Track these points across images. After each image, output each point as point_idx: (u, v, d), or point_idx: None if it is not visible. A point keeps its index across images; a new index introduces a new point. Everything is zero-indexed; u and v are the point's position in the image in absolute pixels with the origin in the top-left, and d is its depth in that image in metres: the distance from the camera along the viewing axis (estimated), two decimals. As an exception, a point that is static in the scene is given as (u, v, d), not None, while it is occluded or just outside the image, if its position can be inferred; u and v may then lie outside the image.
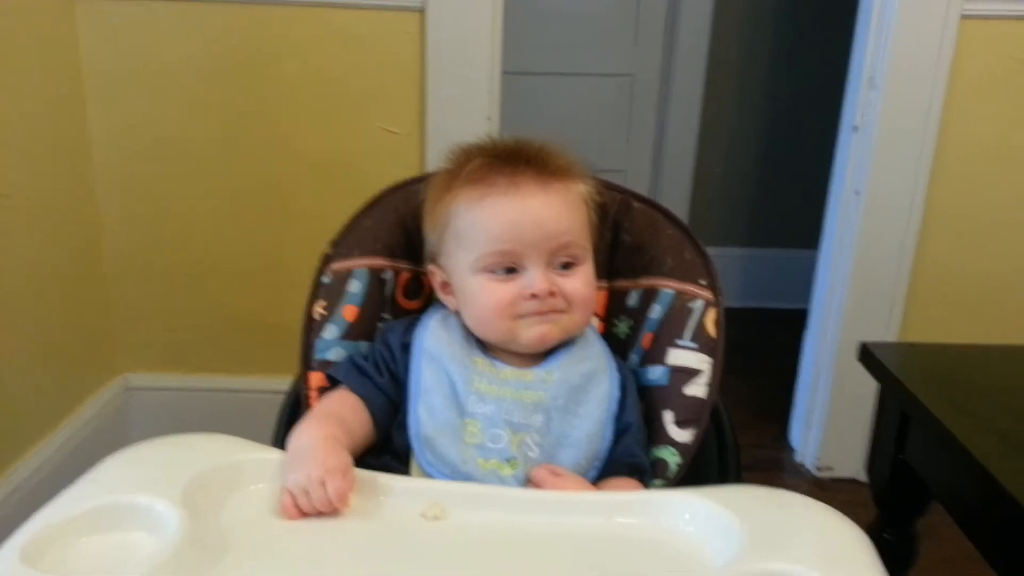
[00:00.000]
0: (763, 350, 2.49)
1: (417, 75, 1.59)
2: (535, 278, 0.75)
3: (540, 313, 0.76)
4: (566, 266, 0.77)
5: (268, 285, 1.68)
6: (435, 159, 1.59)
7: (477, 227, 0.76)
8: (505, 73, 1.66)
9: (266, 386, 1.71)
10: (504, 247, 0.75)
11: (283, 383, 1.70)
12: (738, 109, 2.77)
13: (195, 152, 1.60)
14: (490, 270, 0.76)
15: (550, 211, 0.76)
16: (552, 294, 0.75)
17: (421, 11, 1.54)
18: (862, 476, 1.73)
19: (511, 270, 0.76)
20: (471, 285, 0.77)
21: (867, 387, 1.74)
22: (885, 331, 1.71)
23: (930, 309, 1.70)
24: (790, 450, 1.95)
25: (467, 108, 1.62)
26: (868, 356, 0.86)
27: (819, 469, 1.82)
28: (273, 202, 1.64)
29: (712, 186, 2.83)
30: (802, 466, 1.88)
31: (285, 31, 1.54)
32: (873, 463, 0.90)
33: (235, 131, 1.59)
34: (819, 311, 1.83)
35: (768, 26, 2.69)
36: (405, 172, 1.61)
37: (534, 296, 0.75)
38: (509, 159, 0.77)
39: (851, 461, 1.74)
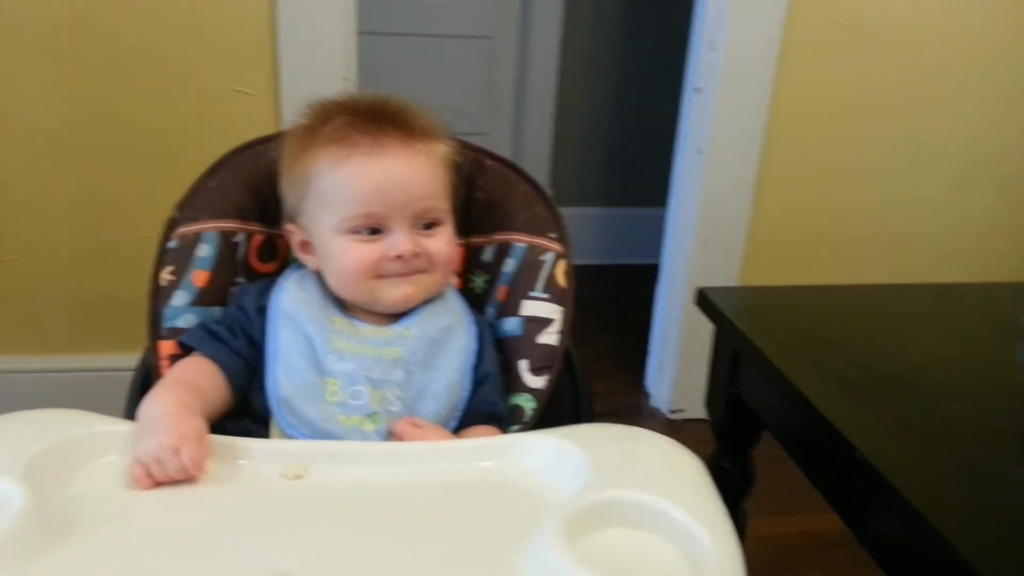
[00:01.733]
0: (621, 304, 2.62)
1: (268, 34, 1.53)
2: (400, 240, 0.76)
3: (403, 274, 0.77)
4: (429, 226, 0.78)
5: (119, 259, 1.59)
6: (291, 121, 1.56)
7: (340, 188, 0.76)
8: (362, 33, 1.63)
9: (119, 364, 1.61)
10: (370, 209, 0.75)
11: (129, 360, 1.64)
12: (592, 73, 2.84)
13: (31, 123, 1.49)
14: (355, 231, 0.76)
15: (416, 173, 0.77)
16: (416, 255, 0.77)
17: (267, -37, 1.48)
18: (711, 416, 1.86)
19: (375, 231, 0.76)
20: (335, 245, 0.77)
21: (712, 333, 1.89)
22: (727, 280, 1.83)
23: (768, 258, 1.84)
24: (646, 396, 2.06)
25: (322, 68, 1.59)
26: (703, 300, 0.93)
27: (672, 412, 1.94)
28: (119, 173, 1.55)
29: (570, 148, 2.91)
30: (657, 410, 2.00)
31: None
32: (710, 399, 0.98)
33: (73, 101, 1.48)
34: (668, 264, 1.93)
35: (619, -9, 2.76)
36: (259, 133, 1.57)
37: (399, 257, 0.76)
38: (373, 118, 0.77)
39: (700, 402, 1.86)
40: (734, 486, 0.99)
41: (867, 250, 1.87)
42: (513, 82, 2.83)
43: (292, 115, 1.55)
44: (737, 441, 0.97)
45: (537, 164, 2.87)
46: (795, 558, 1.48)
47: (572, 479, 0.64)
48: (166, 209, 1.59)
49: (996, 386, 0.78)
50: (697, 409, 1.94)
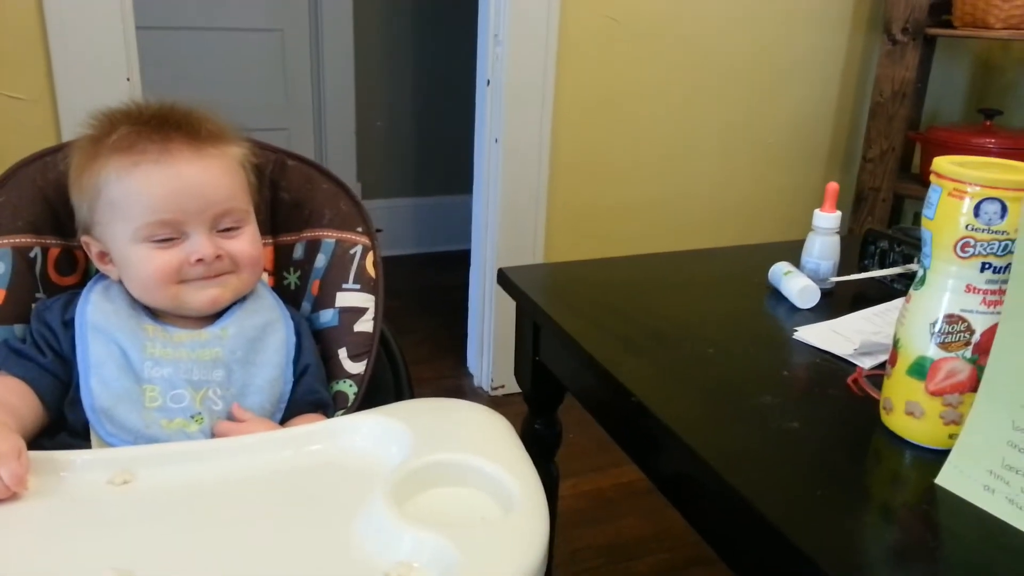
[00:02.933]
0: (437, 291, 2.69)
1: (37, 33, 1.45)
2: (199, 243, 0.77)
3: (207, 278, 0.78)
4: (229, 229, 0.80)
5: None
6: (71, 126, 1.49)
7: (132, 196, 0.76)
8: (141, 28, 1.57)
9: None
10: (164, 216, 0.76)
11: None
12: (389, 64, 2.87)
13: None
14: (151, 239, 0.76)
15: (208, 178, 0.78)
16: (219, 257, 0.78)
17: (26, -47, 1.40)
18: (527, 387, 1.99)
19: (173, 238, 0.77)
20: (133, 254, 0.77)
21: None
22: (533, 258, 1.96)
23: (564, 236, 1.98)
24: (469, 376, 2.16)
25: (101, 68, 1.51)
26: (503, 279, 1.02)
27: (494, 389, 2.05)
28: None
29: (375, 141, 2.93)
30: (480, 388, 2.10)
31: None
32: (518, 368, 1.08)
33: None
34: (478, 248, 2.03)
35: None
36: (40, 142, 1.47)
37: (200, 261, 0.77)
38: (158, 126, 0.77)
39: None
40: (546, 444, 1.10)
41: (649, 220, 2.07)
42: (310, 75, 2.80)
43: (72, 120, 1.50)
44: (544, 404, 1.07)
45: (343, 157, 2.87)
46: (613, 507, 1.64)
47: (396, 450, 0.71)
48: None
49: (743, 331, 0.93)
50: (516, 384, 2.06)
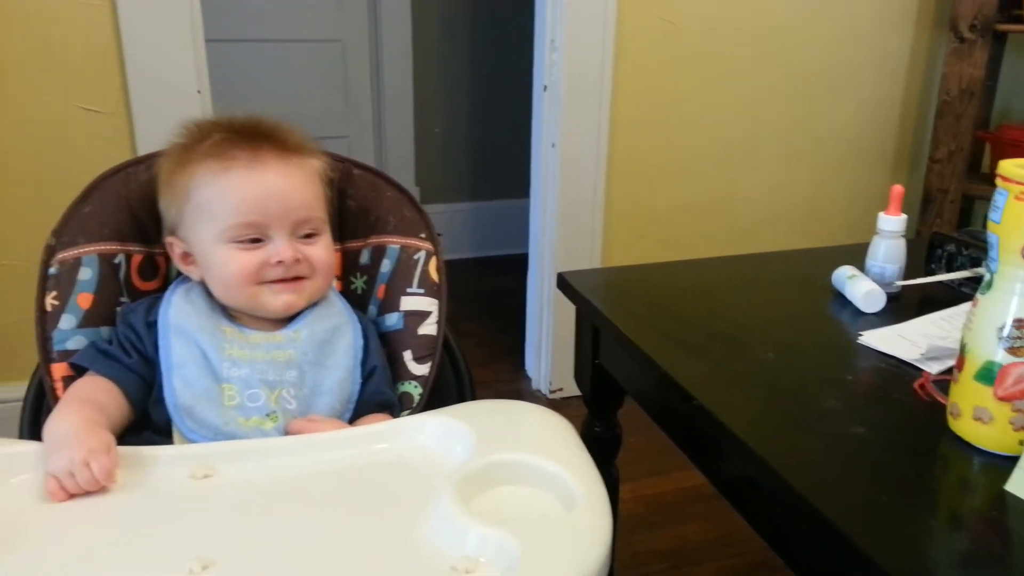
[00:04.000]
0: (495, 295, 2.72)
1: (113, 48, 1.51)
2: (280, 247, 0.81)
3: (285, 281, 0.82)
4: (307, 236, 0.84)
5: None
6: (146, 137, 1.56)
7: (221, 199, 0.80)
8: (209, 41, 1.62)
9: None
10: (250, 219, 0.80)
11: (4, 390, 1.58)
12: (448, 72, 2.90)
13: None
14: (236, 240, 0.81)
15: (292, 186, 0.82)
16: (297, 261, 0.82)
17: (106, -24, 1.45)
18: (586, 391, 1.99)
19: (256, 240, 0.81)
20: (217, 255, 0.81)
21: (580, 313, 2.02)
22: (590, 261, 1.96)
23: (621, 240, 1.98)
24: (527, 379, 2.17)
25: (174, 81, 1.57)
26: (563, 283, 1.03)
27: (552, 392, 2.06)
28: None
29: (433, 147, 2.97)
30: (538, 391, 2.10)
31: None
32: (578, 371, 1.09)
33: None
34: (536, 252, 2.04)
35: (465, -8, 2.83)
36: (115, 152, 1.56)
37: (280, 263, 0.81)
38: (249, 135, 0.82)
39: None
40: (605, 447, 1.11)
41: (707, 222, 2.05)
42: (369, 84, 2.86)
43: (146, 131, 1.57)
44: (604, 407, 1.08)
45: (402, 163, 2.92)
46: (674, 512, 1.63)
47: (460, 450, 0.73)
48: (24, 236, 1.55)
49: (806, 335, 0.92)
50: (574, 386, 2.02)
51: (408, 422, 0.79)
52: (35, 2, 1.44)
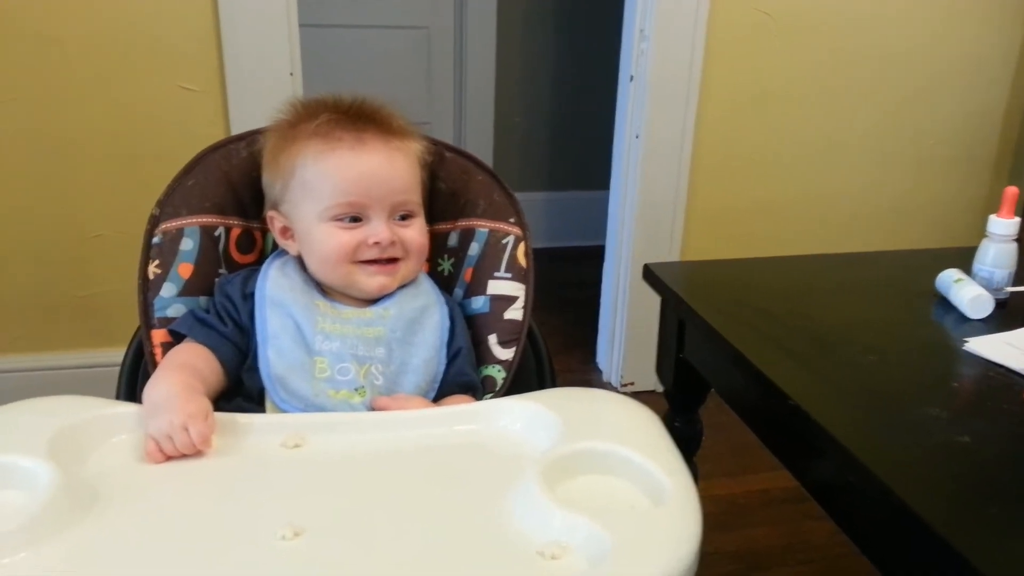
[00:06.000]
0: (568, 286, 2.70)
1: (212, 30, 1.55)
2: (379, 228, 0.82)
3: (380, 262, 0.83)
4: (404, 218, 0.85)
5: (67, 257, 1.61)
6: (239, 116, 1.60)
7: (325, 178, 0.82)
8: (303, 26, 1.65)
9: (74, 361, 1.65)
10: (352, 199, 0.82)
11: (93, 356, 1.66)
12: (530, 61, 2.90)
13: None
14: (337, 219, 0.82)
15: (393, 168, 0.83)
16: (393, 243, 0.83)
17: (208, -41, 1.49)
18: (659, 387, 1.96)
19: (356, 219, 0.83)
20: (317, 232, 0.83)
21: (657, 309, 1.97)
22: (668, 256, 1.93)
23: (702, 235, 1.94)
24: (598, 372, 2.15)
25: (268, 63, 1.61)
26: (650, 275, 1.01)
27: (623, 385, 2.03)
28: (63, 173, 1.56)
29: (513, 135, 2.97)
30: (609, 384, 2.08)
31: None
32: (660, 365, 1.07)
33: (13, 93, 1.49)
34: (613, 244, 2.02)
35: (551, -20, 2.82)
36: (209, 130, 1.60)
37: (376, 243, 0.82)
38: (354, 116, 0.83)
39: (649, 374, 1.91)
40: (685, 444, 1.08)
41: (794, 220, 1.99)
42: (452, 71, 2.87)
43: (240, 110, 1.61)
44: (685, 402, 1.06)
45: (480, 151, 2.92)
46: (745, 515, 1.59)
47: (545, 436, 0.72)
48: (121, 208, 1.61)
49: (907, 340, 0.89)
50: (645, 381, 2.03)
51: (493, 405, 0.79)
52: (141, -15, 1.49)
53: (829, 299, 0.99)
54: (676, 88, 1.82)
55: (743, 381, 0.86)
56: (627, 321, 2.00)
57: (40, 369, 1.64)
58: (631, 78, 1.85)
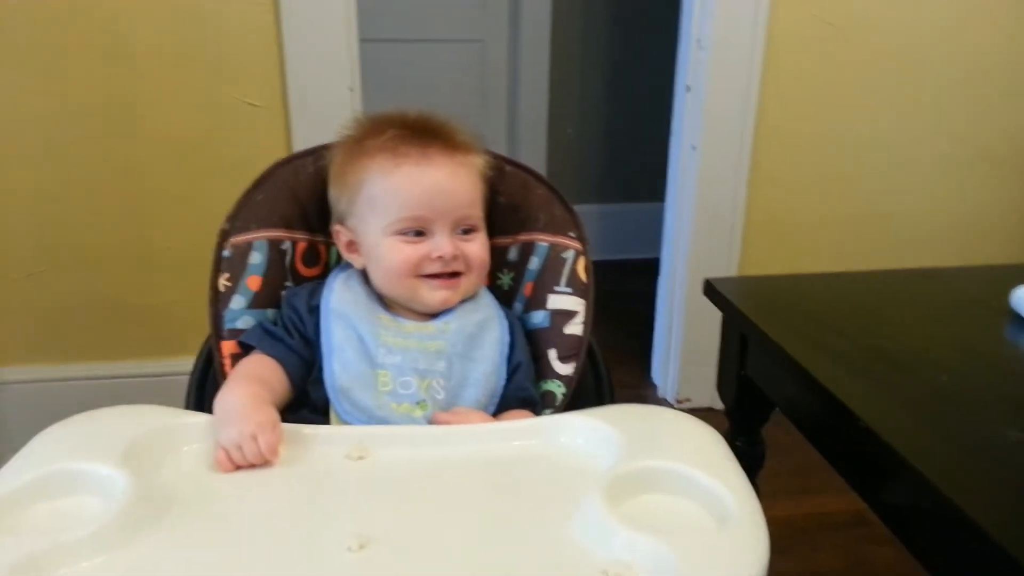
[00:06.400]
0: (621, 299, 2.67)
1: (275, 46, 1.59)
2: (442, 242, 0.83)
3: (442, 277, 0.84)
4: (467, 232, 0.86)
5: (133, 268, 1.66)
6: (300, 130, 1.63)
7: (391, 194, 0.83)
8: (362, 42, 1.68)
9: (141, 370, 1.69)
10: (416, 213, 0.83)
11: (161, 366, 1.70)
12: (583, 73, 2.89)
13: (45, 133, 1.54)
14: (402, 233, 0.84)
15: (457, 183, 0.84)
16: (456, 257, 0.84)
17: (273, -17, 1.52)
18: (716, 404, 1.92)
19: (420, 233, 0.84)
20: (382, 245, 0.84)
21: (714, 324, 1.92)
22: (727, 270, 1.90)
23: (762, 249, 1.90)
24: (653, 387, 2.11)
25: (329, 78, 1.64)
26: (711, 290, 1.00)
27: (679, 401, 1.99)
28: (130, 183, 1.60)
29: (565, 147, 2.97)
30: (664, 400, 2.04)
31: (127, 6, 1.50)
32: (721, 382, 1.06)
33: (83, 112, 1.54)
34: (669, 257, 1.99)
35: (606, -7, 2.81)
36: (271, 145, 1.64)
37: (440, 258, 0.83)
38: (419, 132, 0.85)
39: (705, 391, 1.90)
40: (747, 463, 1.06)
41: (857, 235, 1.94)
42: (506, 83, 2.89)
43: (302, 125, 1.64)
44: (748, 421, 1.04)
45: (533, 163, 2.91)
46: (807, 538, 1.55)
47: (607, 453, 0.71)
48: (188, 221, 1.66)
49: (982, 360, 0.85)
50: (702, 398, 1.99)
51: (554, 420, 0.78)
52: (208, 8, 1.53)
53: (900, 316, 0.96)
54: (733, 99, 1.79)
55: (810, 401, 0.84)
56: (683, 336, 1.96)
57: (107, 377, 1.68)
58: (687, 88, 1.83)
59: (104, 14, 1.49)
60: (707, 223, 1.88)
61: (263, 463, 0.69)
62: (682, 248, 1.93)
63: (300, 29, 1.59)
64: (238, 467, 0.69)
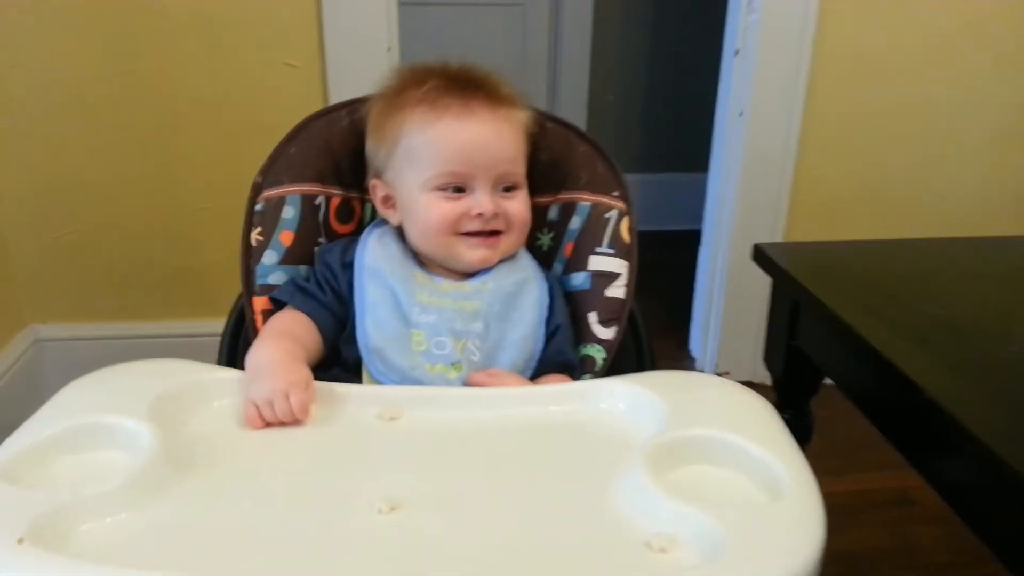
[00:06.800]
0: (660, 270, 2.61)
1: (313, 7, 1.56)
2: (482, 199, 0.80)
3: (482, 235, 0.81)
4: (508, 189, 0.82)
5: (170, 228, 1.65)
6: (337, 91, 1.60)
7: (431, 147, 0.80)
8: (402, 5, 1.65)
9: (177, 330, 1.70)
10: (456, 168, 0.79)
11: (195, 326, 1.70)
12: (626, 38, 2.82)
13: (81, 98, 1.53)
14: (441, 188, 0.80)
15: (499, 138, 0.81)
16: (496, 215, 0.80)
17: (311, -64, 1.49)
18: (756, 377, 1.88)
19: (459, 189, 0.80)
20: (420, 201, 0.81)
21: (757, 295, 1.88)
22: (771, 240, 1.84)
23: (810, 218, 1.84)
24: (691, 360, 2.07)
25: (367, 38, 1.61)
26: (761, 255, 0.95)
27: (718, 374, 1.96)
28: (169, 145, 1.59)
29: (606, 114, 2.91)
30: (703, 373, 2.03)
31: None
32: (769, 352, 1.01)
33: (120, 74, 1.53)
34: (711, 227, 1.94)
35: (652, -46, 2.74)
36: (307, 105, 1.60)
37: (480, 215, 0.80)
38: (462, 83, 0.81)
39: (746, 364, 1.88)
40: (795, 437, 1.02)
41: (909, 208, 1.86)
42: (547, 48, 2.83)
43: (338, 85, 1.60)
44: (796, 393, 1.00)
45: (572, 131, 2.88)
46: (848, 515, 1.50)
47: (650, 420, 0.68)
48: (223, 181, 1.64)
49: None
50: (742, 371, 1.94)
51: (595, 385, 0.75)
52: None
53: (961, 286, 0.91)
54: (785, 62, 1.72)
55: (867, 372, 0.79)
56: (724, 308, 1.92)
57: (144, 336, 1.69)
58: (736, 52, 1.76)
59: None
60: (752, 193, 1.82)
61: (294, 422, 0.67)
62: (725, 218, 1.87)
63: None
64: (268, 424, 0.67)
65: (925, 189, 1.86)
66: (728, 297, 1.89)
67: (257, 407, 0.66)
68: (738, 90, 1.78)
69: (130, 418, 0.62)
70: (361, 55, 1.61)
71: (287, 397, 0.66)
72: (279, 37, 1.56)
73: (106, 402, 0.65)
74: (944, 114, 1.81)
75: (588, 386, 0.75)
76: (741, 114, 1.78)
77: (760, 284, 1.84)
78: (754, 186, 1.81)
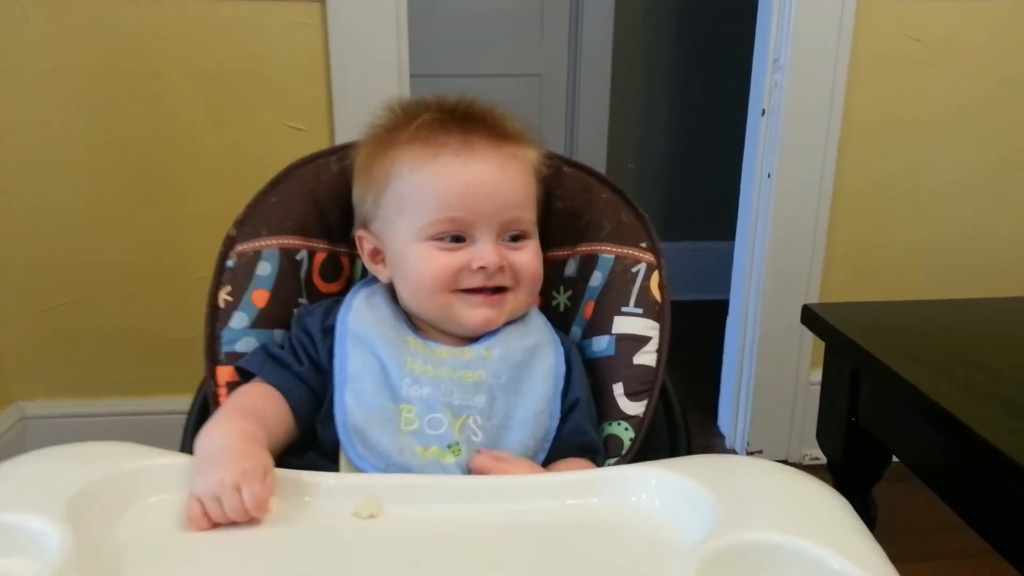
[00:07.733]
0: (685, 342, 2.49)
1: (322, 70, 1.51)
2: (485, 250, 0.69)
3: (484, 292, 0.70)
4: (515, 239, 0.71)
5: (167, 298, 1.57)
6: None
7: (425, 190, 0.69)
8: (414, 76, 1.60)
9: (172, 407, 1.57)
10: (454, 214, 0.68)
11: (188, 403, 1.58)
12: (646, 105, 2.80)
13: (78, 158, 1.47)
14: (436, 238, 0.69)
15: (505, 179, 0.70)
16: (501, 269, 0.69)
17: (321, 1, 1.45)
18: (792, 456, 1.75)
19: (458, 239, 0.69)
20: (412, 253, 0.70)
21: (791, 366, 1.76)
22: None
23: (843, 283, 1.73)
24: (720, 437, 1.95)
25: (377, 104, 1.55)
26: (812, 316, 0.83)
27: (749, 452, 1.83)
28: (169, 208, 1.53)
29: (625, 183, 2.82)
30: (734, 451, 1.88)
31: (168, 23, 1.43)
32: (822, 430, 0.87)
33: (119, 134, 1.47)
34: (739, 297, 1.83)
35: (670, 19, 2.73)
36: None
37: (482, 268, 0.68)
38: (461, 117, 0.71)
39: (779, 441, 1.77)
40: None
41: (950, 265, 1.76)
42: (564, 118, 2.80)
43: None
44: (859, 478, 0.85)
45: (591, 200, 2.81)
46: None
47: (694, 519, 0.55)
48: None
49: None
50: (776, 449, 1.83)
51: (623, 473, 0.61)
52: (252, 22, 1.46)
53: (1053, 351, 0.77)
54: (814, 122, 1.65)
55: (952, 450, 0.65)
56: (755, 382, 1.79)
57: (135, 413, 1.59)
58: (763, 112, 1.69)
59: (141, 34, 1.43)
60: (782, 257, 1.72)
61: (247, 520, 0.54)
62: (754, 285, 1.77)
63: (349, 53, 1.51)
64: (215, 524, 0.54)
65: (965, 248, 1.76)
66: (759, 369, 1.77)
67: (202, 502, 0.54)
68: (765, 151, 1.71)
69: (41, 517, 0.49)
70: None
71: (238, 490, 0.53)
72: (285, 100, 1.51)
73: (16, 496, 0.53)
74: (983, 177, 1.72)
75: (614, 473, 0.62)
76: (769, 176, 1.70)
77: (795, 354, 1.72)
78: (784, 250, 1.72)
